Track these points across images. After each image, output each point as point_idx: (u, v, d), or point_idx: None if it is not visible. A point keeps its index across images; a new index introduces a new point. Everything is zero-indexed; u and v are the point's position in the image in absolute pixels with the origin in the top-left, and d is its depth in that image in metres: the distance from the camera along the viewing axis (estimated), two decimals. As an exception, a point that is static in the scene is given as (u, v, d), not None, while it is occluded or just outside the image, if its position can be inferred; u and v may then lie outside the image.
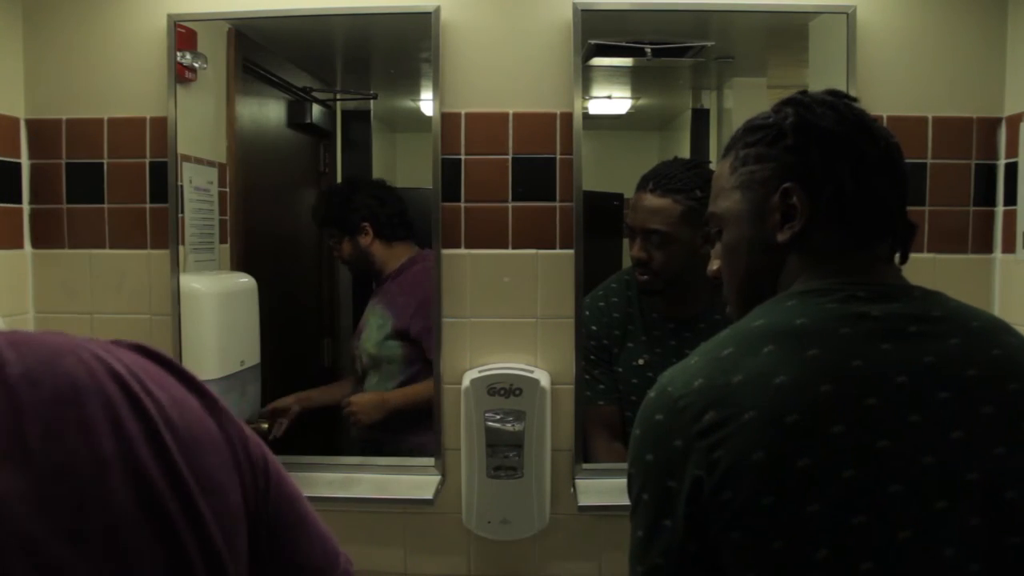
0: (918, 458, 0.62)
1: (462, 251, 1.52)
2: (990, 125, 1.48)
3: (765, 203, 0.75)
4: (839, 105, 0.76)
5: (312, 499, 1.60)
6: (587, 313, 1.52)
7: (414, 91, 1.76)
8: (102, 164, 1.56)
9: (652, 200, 1.45)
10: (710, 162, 1.56)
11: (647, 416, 0.70)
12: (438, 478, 1.50)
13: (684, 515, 0.64)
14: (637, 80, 1.74)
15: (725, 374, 0.66)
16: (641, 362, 1.53)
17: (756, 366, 0.65)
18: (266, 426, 1.65)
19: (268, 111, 1.79)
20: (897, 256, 0.77)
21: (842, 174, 0.72)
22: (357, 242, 1.73)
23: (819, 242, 0.74)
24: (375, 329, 1.69)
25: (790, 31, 1.55)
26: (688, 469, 0.64)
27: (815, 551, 0.61)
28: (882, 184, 0.74)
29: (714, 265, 0.85)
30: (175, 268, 1.52)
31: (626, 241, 1.65)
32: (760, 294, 0.77)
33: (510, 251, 1.51)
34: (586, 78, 1.51)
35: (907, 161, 0.77)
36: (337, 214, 1.78)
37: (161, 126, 1.53)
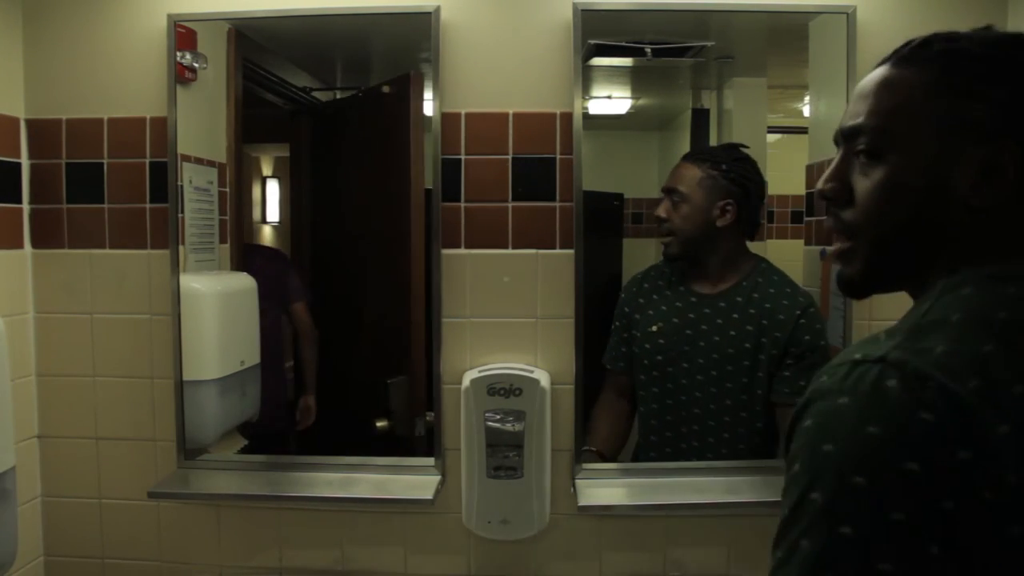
0: None
1: (462, 251, 1.52)
2: (990, 125, 1.47)
3: (964, 152, 0.62)
4: None
5: (312, 499, 1.61)
6: (625, 283, 1.63)
7: (414, 91, 1.76)
8: (102, 164, 1.56)
9: (683, 167, 1.55)
10: (747, 147, 1.57)
11: (892, 412, 0.53)
12: (438, 478, 1.50)
13: (954, 545, 0.51)
14: (637, 80, 1.74)
15: (1006, 383, 0.54)
16: (654, 328, 1.56)
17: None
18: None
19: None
20: None
21: None
22: None
23: (1014, 215, 0.63)
24: None
25: (790, 31, 1.55)
26: (966, 488, 0.51)
27: None
28: None
29: (826, 184, 0.70)
30: (175, 268, 1.52)
31: (626, 241, 1.65)
32: (907, 256, 0.66)
33: (510, 251, 1.51)
34: (586, 78, 1.51)
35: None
36: None
37: (161, 126, 1.53)
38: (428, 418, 1.61)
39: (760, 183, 1.53)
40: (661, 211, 1.55)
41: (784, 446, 0.60)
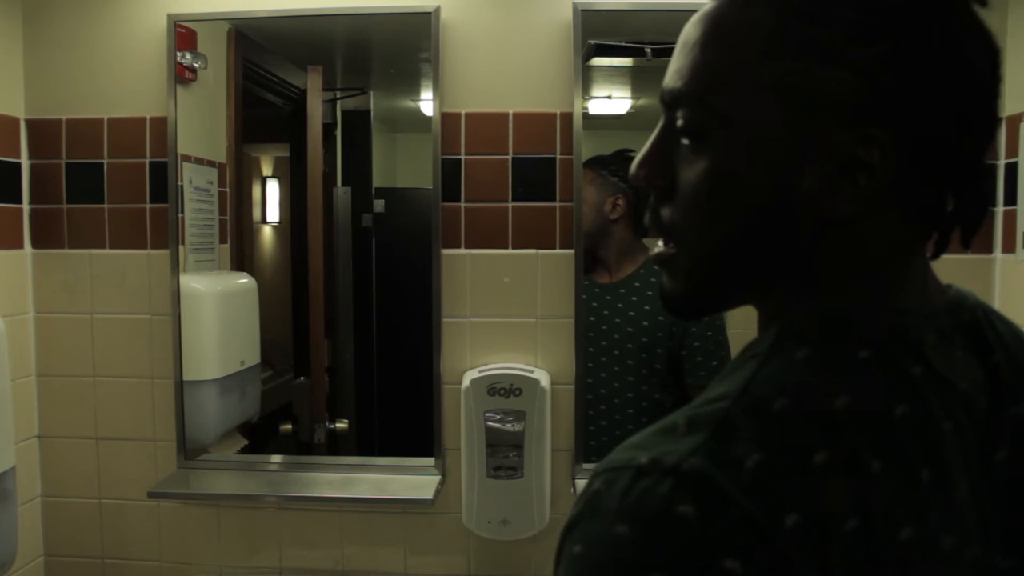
0: None
1: (462, 251, 1.52)
2: (990, 125, 1.47)
3: (819, 139, 0.44)
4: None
5: (312, 499, 1.61)
6: None
7: (414, 91, 1.76)
8: (102, 164, 1.56)
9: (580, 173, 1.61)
10: (633, 151, 1.64)
11: (685, 555, 0.39)
12: (438, 478, 1.50)
13: None
14: (637, 80, 1.74)
15: (839, 518, 0.40)
16: None
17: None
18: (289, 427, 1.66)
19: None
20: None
21: (951, 128, 0.45)
22: None
23: (876, 229, 0.46)
24: None
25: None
26: None
27: None
28: (986, 139, 0.47)
29: (639, 169, 0.51)
30: (175, 268, 1.53)
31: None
32: (742, 276, 0.50)
33: (510, 251, 1.51)
34: (586, 78, 1.51)
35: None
36: None
37: (161, 126, 1.53)
38: (338, 425, 1.65)
39: None
40: None
41: (554, 565, 0.44)
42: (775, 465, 0.40)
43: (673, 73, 0.49)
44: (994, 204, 0.45)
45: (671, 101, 0.49)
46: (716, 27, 0.47)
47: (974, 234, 0.49)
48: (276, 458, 1.60)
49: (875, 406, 0.43)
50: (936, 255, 0.50)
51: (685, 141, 0.49)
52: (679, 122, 0.49)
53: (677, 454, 0.40)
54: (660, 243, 0.52)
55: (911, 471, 0.41)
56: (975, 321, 0.50)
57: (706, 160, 0.47)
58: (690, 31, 0.49)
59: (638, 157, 0.51)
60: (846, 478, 0.40)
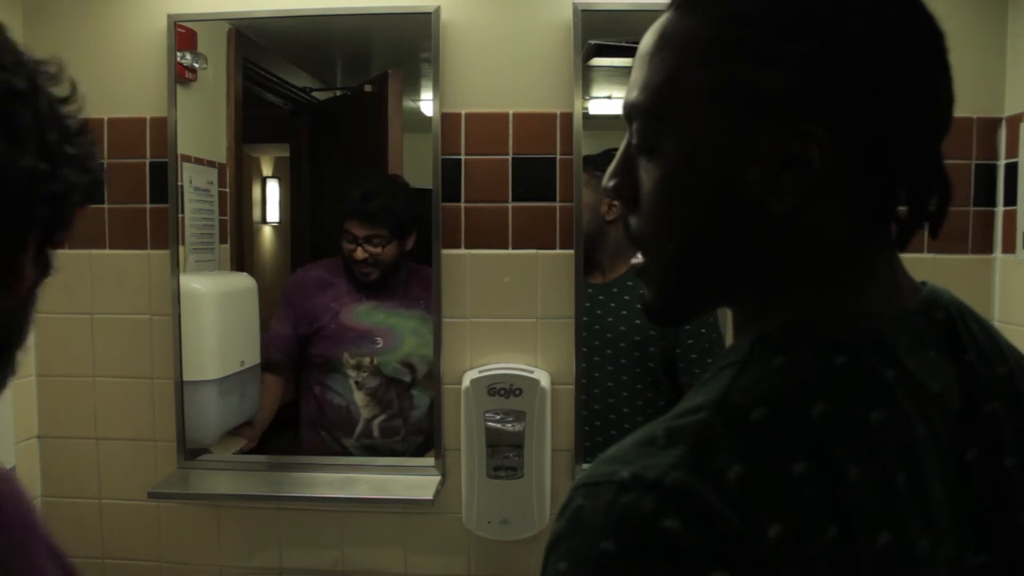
0: None
1: (462, 251, 1.52)
2: (990, 125, 1.47)
3: (759, 139, 0.45)
4: None
5: (312, 499, 1.60)
6: None
7: (414, 91, 1.76)
8: (102, 164, 1.56)
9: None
10: None
11: (674, 572, 0.39)
12: (438, 478, 1.50)
13: None
14: (637, 80, 1.74)
15: (817, 528, 0.40)
16: None
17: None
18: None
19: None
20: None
21: (892, 117, 0.45)
22: (403, 245, 1.64)
23: (830, 225, 0.47)
24: (413, 335, 1.66)
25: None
26: None
27: None
28: (930, 127, 0.47)
29: (610, 180, 0.52)
30: (175, 268, 1.53)
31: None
32: (708, 280, 0.50)
33: (510, 251, 1.51)
34: (586, 78, 1.51)
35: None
36: (400, 213, 1.64)
37: (161, 126, 1.53)
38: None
39: None
40: None
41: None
42: (757, 476, 0.40)
43: (631, 86, 0.51)
44: (951, 199, 0.43)
45: (627, 114, 0.51)
46: (662, 38, 0.49)
47: (939, 226, 0.49)
48: (276, 458, 1.60)
49: (851, 413, 0.43)
50: (900, 248, 0.50)
51: (641, 152, 0.50)
52: (634, 129, 0.50)
53: (658, 468, 0.40)
54: (639, 255, 0.53)
55: (888, 476, 0.42)
56: (949, 320, 0.50)
57: (658, 168, 0.49)
58: (644, 44, 0.51)
59: (608, 170, 0.53)
60: (825, 486, 0.40)
